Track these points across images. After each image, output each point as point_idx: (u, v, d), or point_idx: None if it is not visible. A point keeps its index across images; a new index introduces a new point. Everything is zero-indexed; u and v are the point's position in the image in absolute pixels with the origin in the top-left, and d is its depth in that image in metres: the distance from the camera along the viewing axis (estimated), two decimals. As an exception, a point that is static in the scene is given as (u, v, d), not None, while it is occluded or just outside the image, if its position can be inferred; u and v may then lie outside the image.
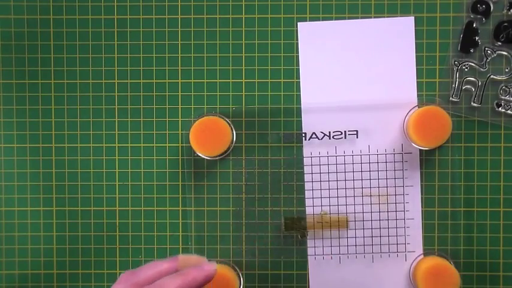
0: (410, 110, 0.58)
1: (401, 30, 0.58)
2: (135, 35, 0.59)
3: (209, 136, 0.56)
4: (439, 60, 0.58)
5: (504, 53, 0.57)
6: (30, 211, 0.60)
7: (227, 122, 0.58)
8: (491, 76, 0.57)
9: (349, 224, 0.58)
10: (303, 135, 0.58)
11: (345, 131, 0.58)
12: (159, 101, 0.59)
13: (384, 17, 0.58)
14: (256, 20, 0.59)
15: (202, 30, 0.59)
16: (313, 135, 0.58)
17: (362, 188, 0.58)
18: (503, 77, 0.57)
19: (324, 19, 0.59)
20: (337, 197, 0.58)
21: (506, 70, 0.57)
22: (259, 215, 0.59)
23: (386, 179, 0.58)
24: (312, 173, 0.58)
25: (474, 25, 0.57)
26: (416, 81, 0.58)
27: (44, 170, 0.60)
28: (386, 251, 0.58)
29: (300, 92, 0.59)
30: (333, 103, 0.58)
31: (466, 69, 0.58)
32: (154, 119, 0.59)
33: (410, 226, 0.58)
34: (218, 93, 0.59)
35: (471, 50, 0.58)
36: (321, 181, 0.58)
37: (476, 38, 0.57)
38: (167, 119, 0.59)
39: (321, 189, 0.58)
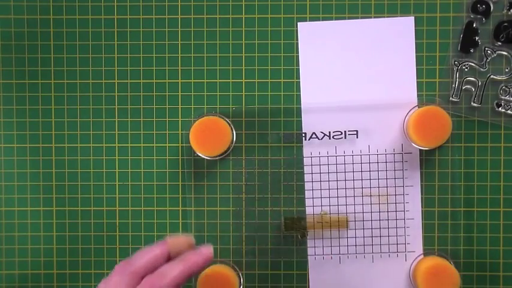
0: (410, 110, 0.58)
1: (401, 30, 0.58)
2: (135, 35, 0.59)
3: (209, 136, 0.56)
4: (439, 60, 0.58)
5: (504, 53, 0.57)
6: (30, 211, 0.60)
7: (227, 122, 0.58)
8: (491, 76, 0.57)
9: (349, 224, 0.58)
10: (303, 135, 0.58)
11: (345, 131, 0.58)
12: (159, 101, 0.59)
13: (384, 17, 0.58)
14: (256, 20, 0.59)
15: (202, 30, 0.59)
16: (313, 135, 0.58)
17: (362, 188, 0.58)
18: (503, 77, 0.57)
19: (324, 19, 0.59)
20: (337, 197, 0.58)
21: (506, 70, 0.57)
22: (259, 215, 0.59)
23: (386, 179, 0.58)
24: (312, 173, 0.58)
25: (474, 25, 0.57)
26: (416, 81, 0.58)
27: (44, 170, 0.60)
28: (386, 251, 0.58)
29: (300, 92, 0.59)
30: (333, 103, 0.58)
31: (466, 69, 0.58)
32: (154, 119, 0.59)
33: (410, 226, 0.58)
34: (218, 93, 0.59)
35: (471, 50, 0.58)
36: (321, 181, 0.58)
37: (476, 38, 0.57)
38: (167, 119, 0.59)
39: (321, 189, 0.58)
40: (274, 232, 0.59)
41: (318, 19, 0.59)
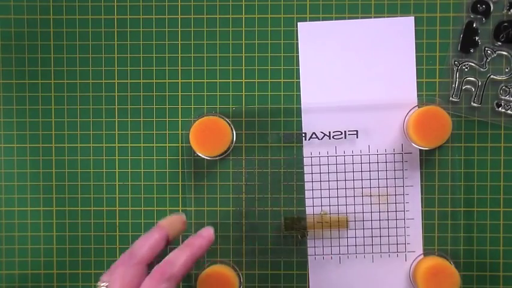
0: (410, 110, 0.58)
1: (401, 30, 0.58)
2: (135, 35, 0.59)
3: (209, 136, 0.56)
4: (439, 60, 0.58)
5: (504, 53, 0.57)
6: (30, 211, 0.60)
7: (227, 122, 0.58)
8: (491, 76, 0.57)
9: (349, 224, 0.58)
10: (303, 135, 0.58)
11: (345, 131, 0.58)
12: (159, 101, 0.59)
13: (384, 17, 0.58)
14: (256, 20, 0.59)
15: (202, 30, 0.59)
16: (313, 135, 0.58)
17: (362, 188, 0.58)
18: (503, 77, 0.57)
19: (324, 19, 0.59)
20: (337, 197, 0.58)
21: (506, 70, 0.57)
22: (259, 215, 0.59)
23: (386, 179, 0.58)
24: (312, 173, 0.58)
25: (474, 25, 0.57)
26: (416, 81, 0.58)
27: (44, 170, 0.60)
28: (386, 251, 0.58)
29: (300, 92, 0.59)
30: (333, 103, 0.58)
31: (466, 69, 0.58)
32: (154, 119, 0.59)
33: (410, 226, 0.58)
34: (218, 93, 0.59)
35: (471, 50, 0.58)
36: (321, 181, 0.58)
37: (476, 38, 0.57)
38: (167, 119, 0.59)
39: (321, 189, 0.58)
40: (274, 232, 0.59)
41: (318, 19, 0.59)
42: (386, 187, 0.58)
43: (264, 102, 0.59)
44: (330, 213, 0.58)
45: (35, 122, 0.60)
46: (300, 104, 0.59)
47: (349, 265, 0.58)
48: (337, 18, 0.58)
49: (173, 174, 0.59)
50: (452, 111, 0.58)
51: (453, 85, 0.58)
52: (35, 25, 0.59)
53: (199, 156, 0.58)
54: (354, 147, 0.58)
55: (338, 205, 0.58)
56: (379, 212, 0.58)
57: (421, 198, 0.58)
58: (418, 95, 0.58)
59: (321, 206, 0.58)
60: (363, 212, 0.58)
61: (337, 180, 0.58)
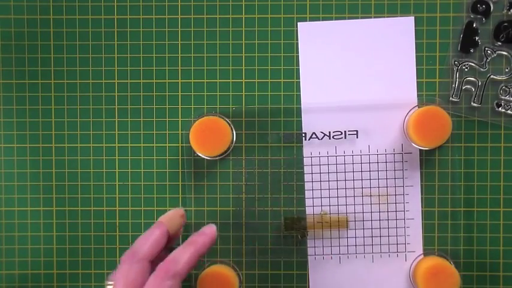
0: (410, 110, 0.58)
1: (401, 30, 0.58)
2: (135, 35, 0.59)
3: (209, 136, 0.56)
4: (439, 60, 0.58)
5: (504, 53, 0.57)
6: (30, 211, 0.60)
7: (227, 122, 0.58)
8: (491, 76, 0.57)
9: (349, 224, 0.58)
10: (303, 135, 0.58)
11: (345, 131, 0.58)
12: (159, 101, 0.59)
13: (384, 17, 0.58)
14: (256, 20, 0.59)
15: (202, 30, 0.59)
16: (313, 135, 0.58)
17: (362, 188, 0.58)
18: (503, 77, 0.57)
19: (324, 19, 0.59)
20: (337, 197, 0.58)
21: (506, 70, 0.57)
22: (259, 215, 0.59)
23: (386, 179, 0.58)
24: (312, 173, 0.58)
25: (474, 25, 0.57)
26: (416, 81, 0.58)
27: (44, 170, 0.60)
28: (386, 251, 0.58)
29: (300, 92, 0.59)
30: (333, 103, 0.58)
31: (466, 69, 0.58)
32: (154, 119, 0.59)
33: (410, 226, 0.58)
34: (218, 93, 0.59)
35: (471, 50, 0.58)
36: (321, 181, 0.58)
37: (476, 38, 0.57)
38: (167, 119, 0.59)
39: (321, 189, 0.58)
40: (274, 232, 0.59)
41: (318, 19, 0.59)
42: (386, 187, 0.58)
43: (264, 102, 0.59)
44: (330, 213, 0.58)
45: (35, 122, 0.60)
46: (300, 104, 0.59)
47: (349, 265, 0.58)
48: (337, 18, 0.58)
49: (173, 174, 0.59)
50: (452, 111, 0.58)
51: (453, 85, 0.58)
52: (35, 25, 0.59)
53: (199, 156, 0.58)
54: (354, 147, 0.58)
55: (338, 205, 0.58)
56: (379, 212, 0.58)
57: (421, 198, 0.58)
58: (418, 95, 0.58)
59: (321, 206, 0.58)
60: (362, 212, 0.58)
61: (337, 180, 0.58)
